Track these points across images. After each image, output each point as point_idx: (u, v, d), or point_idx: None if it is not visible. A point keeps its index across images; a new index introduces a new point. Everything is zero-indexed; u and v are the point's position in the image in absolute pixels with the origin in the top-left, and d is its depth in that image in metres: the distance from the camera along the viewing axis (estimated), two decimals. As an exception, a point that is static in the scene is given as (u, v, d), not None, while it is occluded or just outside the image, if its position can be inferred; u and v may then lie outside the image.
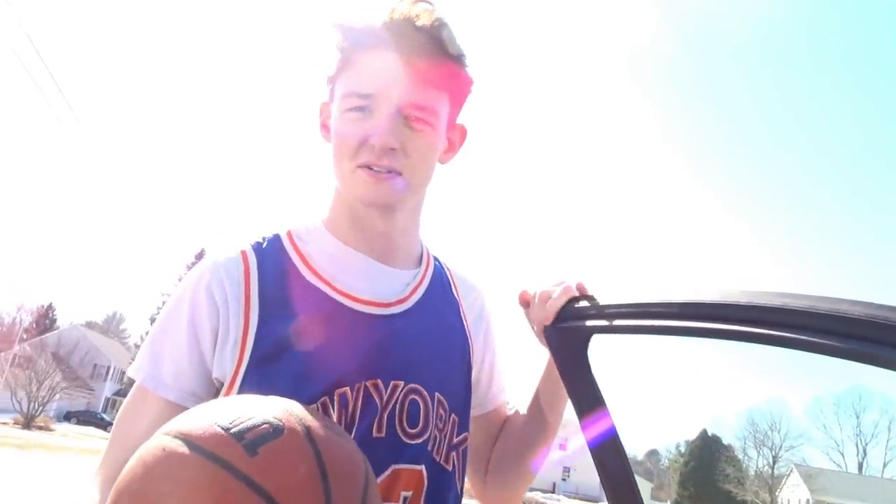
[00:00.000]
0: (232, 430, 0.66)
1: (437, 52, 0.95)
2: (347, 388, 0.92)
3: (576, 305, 1.03)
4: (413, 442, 0.95)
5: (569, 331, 1.04)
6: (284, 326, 0.93)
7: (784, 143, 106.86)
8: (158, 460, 0.65)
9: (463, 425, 1.05)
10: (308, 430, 0.69)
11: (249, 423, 0.66)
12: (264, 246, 1.01)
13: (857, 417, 56.00)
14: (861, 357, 0.73)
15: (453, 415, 1.02)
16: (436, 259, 1.15)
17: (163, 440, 0.67)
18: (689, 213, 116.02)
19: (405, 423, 0.95)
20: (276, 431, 0.66)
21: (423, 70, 0.94)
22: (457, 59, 0.98)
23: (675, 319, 0.93)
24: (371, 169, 0.94)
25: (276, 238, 1.02)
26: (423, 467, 0.96)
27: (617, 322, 1.00)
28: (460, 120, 1.07)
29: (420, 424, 0.96)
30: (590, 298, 1.03)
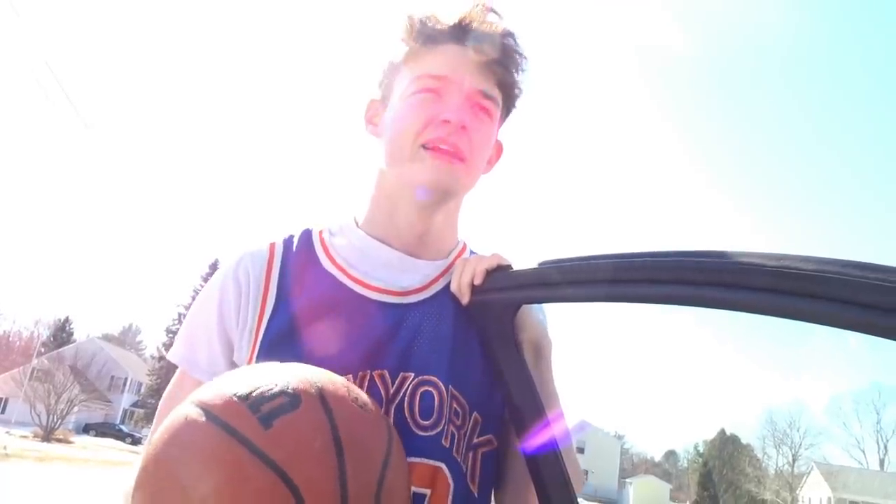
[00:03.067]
0: (249, 402, 0.67)
1: (503, 55, 0.97)
2: (350, 376, 0.88)
3: (505, 273, 0.96)
4: (425, 434, 0.90)
5: (495, 303, 0.96)
6: (294, 313, 0.93)
7: (799, 150, 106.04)
8: (179, 429, 0.67)
9: (487, 426, 0.97)
10: (325, 402, 0.69)
11: (267, 394, 0.67)
12: (294, 239, 1.03)
13: (878, 413, 55.21)
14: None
15: (475, 413, 0.96)
16: (474, 254, 1.09)
17: (187, 409, 0.69)
18: (705, 219, 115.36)
19: (417, 415, 0.91)
20: (292, 403, 0.67)
21: (490, 65, 0.96)
22: (518, 67, 1.00)
23: (608, 285, 0.85)
24: (435, 150, 0.94)
25: (307, 233, 1.05)
26: (442, 465, 0.90)
27: (548, 291, 0.93)
28: (499, 136, 1.07)
29: (434, 415, 0.91)
30: (518, 268, 0.96)
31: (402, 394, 0.91)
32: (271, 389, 0.68)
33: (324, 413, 0.68)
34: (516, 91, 1.02)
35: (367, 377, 0.91)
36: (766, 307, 0.70)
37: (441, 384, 0.93)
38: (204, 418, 0.67)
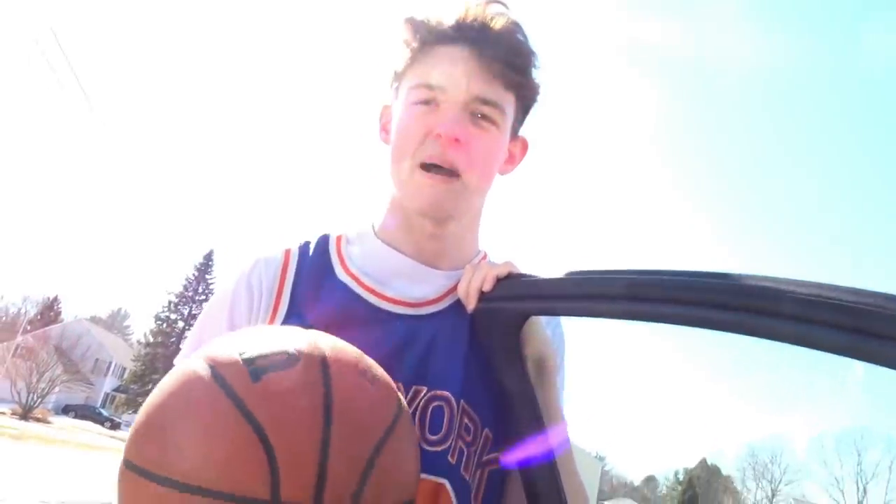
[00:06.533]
0: (246, 354, 0.64)
1: (508, 53, 0.91)
2: None
3: (516, 281, 0.91)
4: (433, 449, 0.87)
5: (501, 311, 0.92)
6: (306, 322, 0.88)
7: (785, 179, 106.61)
8: (175, 373, 0.67)
9: (498, 442, 0.94)
10: (326, 366, 0.65)
11: (266, 350, 0.64)
12: (310, 246, 1.00)
13: (859, 455, 55.26)
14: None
15: (486, 430, 0.92)
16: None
17: (191, 358, 0.68)
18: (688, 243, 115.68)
19: (426, 431, 0.88)
20: (289, 361, 0.63)
21: (493, 67, 0.90)
22: (527, 64, 0.94)
23: (623, 301, 0.80)
24: (430, 171, 0.90)
25: (324, 239, 1.02)
26: (446, 482, 0.87)
27: (558, 303, 0.90)
28: (523, 132, 1.02)
29: (442, 431, 0.88)
30: (529, 277, 0.91)
31: (413, 407, 0.88)
32: (273, 345, 0.65)
33: (321, 375, 0.64)
34: (530, 90, 0.96)
35: None
36: (797, 336, 0.64)
37: (453, 399, 0.90)
38: (199, 365, 0.65)
